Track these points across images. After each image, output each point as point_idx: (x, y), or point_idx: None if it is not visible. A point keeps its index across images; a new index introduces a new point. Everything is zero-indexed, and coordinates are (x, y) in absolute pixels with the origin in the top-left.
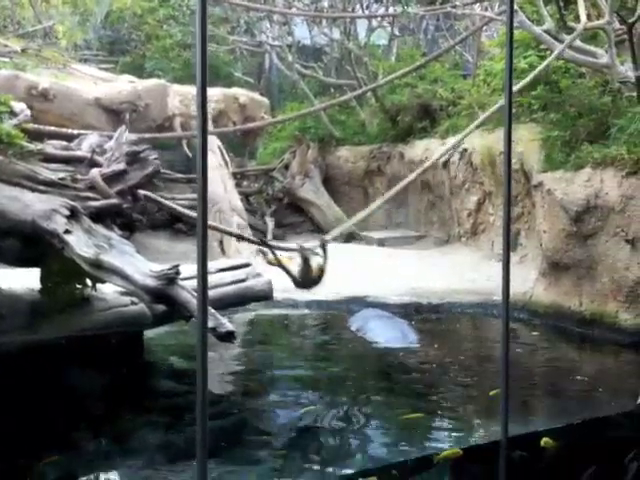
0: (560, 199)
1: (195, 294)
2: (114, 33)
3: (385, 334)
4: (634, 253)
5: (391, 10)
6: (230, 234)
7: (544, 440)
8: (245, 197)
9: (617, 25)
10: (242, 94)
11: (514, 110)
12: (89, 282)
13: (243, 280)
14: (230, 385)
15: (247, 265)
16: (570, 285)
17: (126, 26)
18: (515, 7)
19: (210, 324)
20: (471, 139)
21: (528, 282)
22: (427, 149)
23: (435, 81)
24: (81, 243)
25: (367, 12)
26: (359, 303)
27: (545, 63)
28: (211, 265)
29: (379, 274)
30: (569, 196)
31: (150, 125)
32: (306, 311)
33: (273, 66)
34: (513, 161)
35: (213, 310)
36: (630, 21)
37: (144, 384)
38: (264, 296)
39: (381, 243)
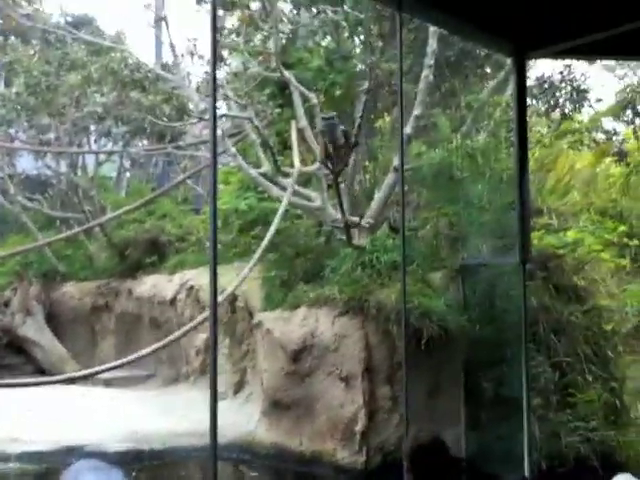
0: (278, 338)
1: None
2: None
3: None
4: (348, 391)
5: (118, 147)
6: None
7: None
8: None
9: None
10: None
11: (237, 249)
12: None
13: None
14: None
15: None
16: (291, 424)
17: None
18: (234, 150)
19: None
20: (198, 276)
21: (253, 422)
22: (155, 285)
23: (164, 216)
24: None
25: (95, 146)
26: (77, 453)
27: (280, 211)
28: None
29: (101, 419)
30: (287, 335)
31: None
32: (17, 465)
33: None
34: (239, 299)
35: None
36: (336, 170)
37: None
38: None
39: (108, 384)
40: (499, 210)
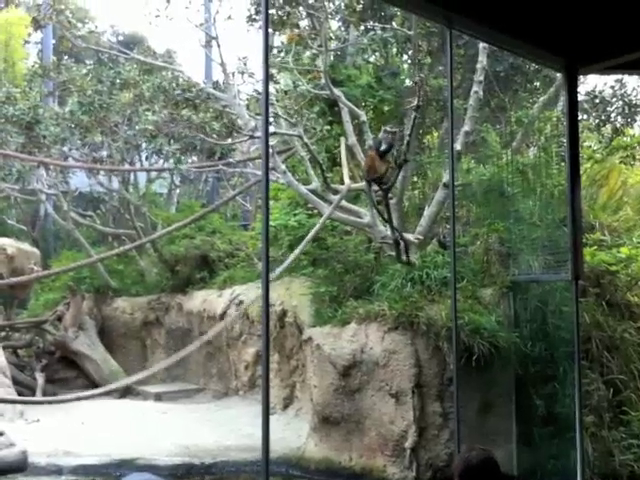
0: (328, 354)
1: None
2: None
3: None
4: (398, 407)
5: (169, 164)
6: None
7: None
8: (13, 351)
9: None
10: (9, 245)
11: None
12: None
13: None
14: None
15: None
16: (340, 440)
17: None
18: (283, 167)
19: None
20: (247, 291)
21: (302, 437)
22: (205, 300)
23: (213, 232)
24: None
25: (146, 164)
26: (129, 466)
27: (320, 222)
28: None
29: (153, 433)
30: (337, 351)
31: None
32: (72, 478)
33: (49, 214)
34: (288, 314)
35: None
36: (384, 187)
37: None
38: (17, 467)
39: (158, 398)
40: (550, 226)
